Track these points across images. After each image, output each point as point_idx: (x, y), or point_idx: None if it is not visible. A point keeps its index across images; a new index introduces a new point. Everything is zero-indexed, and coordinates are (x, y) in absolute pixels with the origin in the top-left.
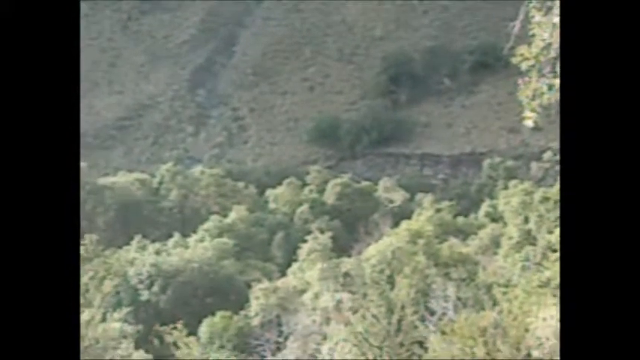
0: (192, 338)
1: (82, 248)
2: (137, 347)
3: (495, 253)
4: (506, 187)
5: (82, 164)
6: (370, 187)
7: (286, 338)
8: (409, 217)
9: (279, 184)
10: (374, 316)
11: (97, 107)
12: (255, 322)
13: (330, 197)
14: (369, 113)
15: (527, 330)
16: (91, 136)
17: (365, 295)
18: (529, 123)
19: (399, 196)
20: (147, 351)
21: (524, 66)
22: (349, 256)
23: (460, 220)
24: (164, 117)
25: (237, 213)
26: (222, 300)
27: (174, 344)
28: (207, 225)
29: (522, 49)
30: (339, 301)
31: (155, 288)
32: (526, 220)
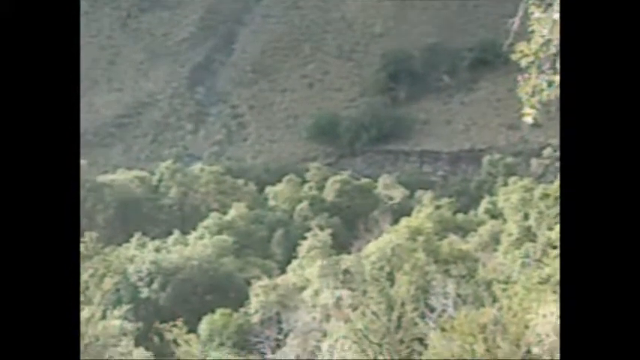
0: (192, 336)
1: (81, 246)
2: (137, 345)
3: (495, 250)
4: (505, 184)
5: (82, 162)
6: (370, 184)
7: (286, 335)
8: (409, 214)
9: (279, 181)
10: (374, 313)
11: (96, 105)
12: (255, 319)
13: (329, 194)
14: (369, 110)
15: (527, 327)
16: (90, 133)
17: (365, 292)
18: (529, 119)
19: (398, 193)
20: (147, 348)
21: (523, 62)
22: (349, 253)
23: (460, 216)
24: (163, 114)
25: (236, 210)
26: (221, 297)
27: (174, 342)
28: (206, 222)
29: (522, 46)
30: (339, 298)
31: (155, 285)
32: (526, 217)
